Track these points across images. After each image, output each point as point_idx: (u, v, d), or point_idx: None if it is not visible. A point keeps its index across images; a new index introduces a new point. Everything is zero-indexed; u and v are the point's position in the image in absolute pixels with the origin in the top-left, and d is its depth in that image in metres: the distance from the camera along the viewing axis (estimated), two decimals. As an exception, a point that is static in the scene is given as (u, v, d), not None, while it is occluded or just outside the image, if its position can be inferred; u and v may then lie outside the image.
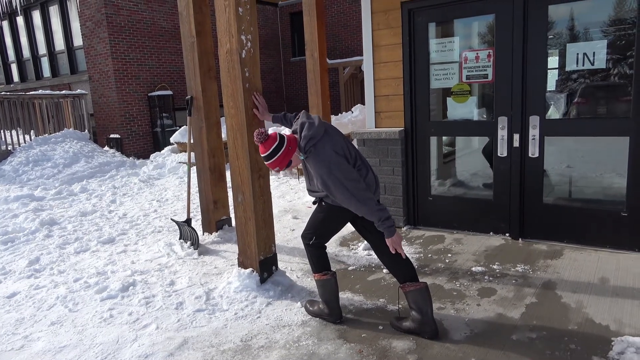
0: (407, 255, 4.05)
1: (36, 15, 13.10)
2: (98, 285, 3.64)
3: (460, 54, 4.37)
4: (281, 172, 7.75)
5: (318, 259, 2.99)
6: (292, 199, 6.54)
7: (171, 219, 4.92)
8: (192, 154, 4.74)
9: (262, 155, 2.72)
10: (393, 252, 2.70)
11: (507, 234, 4.38)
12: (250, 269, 3.45)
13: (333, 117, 9.41)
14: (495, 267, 3.72)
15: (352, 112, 10.22)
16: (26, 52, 13.85)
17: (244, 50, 3.17)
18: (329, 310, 2.99)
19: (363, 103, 12.83)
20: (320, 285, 3.00)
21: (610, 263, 3.64)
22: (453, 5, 4.28)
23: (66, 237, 5.15)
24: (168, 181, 8.41)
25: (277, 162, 2.69)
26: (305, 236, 3.01)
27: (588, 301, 3.07)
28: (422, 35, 4.50)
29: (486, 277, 3.55)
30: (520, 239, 4.29)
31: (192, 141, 4.64)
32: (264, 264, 3.46)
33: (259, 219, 3.40)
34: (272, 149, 2.66)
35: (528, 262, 3.76)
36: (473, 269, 3.71)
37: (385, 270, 3.74)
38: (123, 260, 4.28)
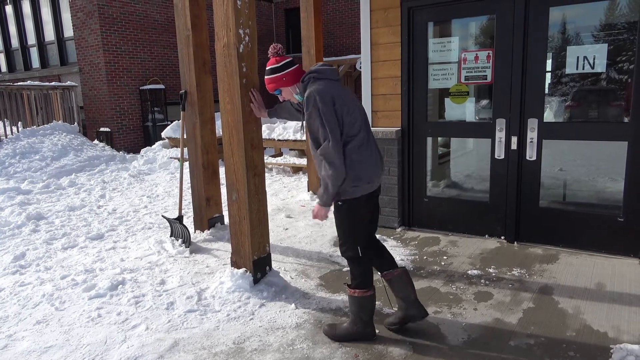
0: (403, 257, 4.03)
1: (26, 5, 12.83)
2: (86, 283, 3.54)
3: (459, 54, 4.32)
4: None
5: (367, 273, 2.67)
6: (285, 197, 6.46)
7: (162, 216, 4.81)
8: (185, 149, 4.64)
9: (269, 67, 2.67)
10: (312, 217, 2.65)
11: (502, 237, 4.35)
12: (244, 269, 3.38)
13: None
14: (491, 270, 3.68)
15: (347, 111, 10.12)
16: (15, 42, 13.56)
17: (241, 45, 3.09)
18: (364, 329, 2.69)
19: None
20: (357, 303, 2.66)
21: (606, 268, 3.63)
22: (453, 4, 4.23)
23: (53, 232, 5.03)
24: (159, 176, 8.28)
25: (278, 78, 2.66)
26: (349, 250, 2.62)
27: (585, 307, 3.04)
28: (421, 34, 4.44)
29: (482, 280, 3.51)
30: (515, 243, 4.26)
31: (185, 136, 4.54)
32: (257, 264, 3.39)
33: (253, 217, 3.32)
34: (282, 63, 2.65)
35: (524, 266, 3.73)
36: (469, 272, 3.67)
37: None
38: (112, 257, 4.18)
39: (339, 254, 4.11)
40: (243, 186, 3.26)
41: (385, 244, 4.37)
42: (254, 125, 3.26)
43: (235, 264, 3.45)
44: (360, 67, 12.35)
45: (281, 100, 2.79)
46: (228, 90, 3.19)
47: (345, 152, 2.49)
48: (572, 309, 3.03)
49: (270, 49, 2.68)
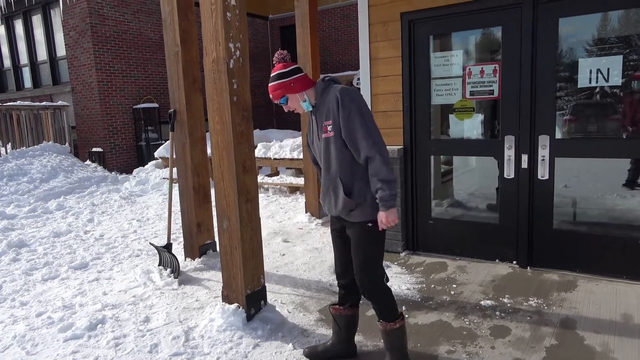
0: (409, 285, 3.74)
1: (18, 25, 12.69)
2: (63, 322, 3.21)
3: (463, 68, 4.10)
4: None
5: (393, 300, 2.43)
6: (282, 219, 6.17)
7: (150, 243, 4.51)
8: (175, 171, 4.37)
9: (275, 73, 2.42)
10: (381, 228, 2.32)
11: (514, 262, 4.06)
12: (236, 304, 3.07)
13: (325, 133, 9.09)
14: (505, 300, 3.39)
15: (344, 128, 9.91)
16: (7, 62, 13.38)
17: (232, 60, 2.84)
18: None
19: (354, 118, 12.56)
20: (402, 334, 2.43)
21: (630, 296, 3.34)
22: (456, 17, 4.02)
23: (35, 261, 4.71)
24: (151, 198, 7.99)
25: (286, 84, 2.39)
26: (373, 277, 2.38)
27: (614, 344, 2.74)
28: (422, 48, 4.22)
29: (497, 312, 3.21)
30: (528, 268, 3.97)
31: (174, 156, 4.27)
32: (251, 299, 3.09)
33: (246, 248, 3.03)
34: (290, 69, 2.41)
35: (541, 295, 3.44)
36: (482, 302, 3.37)
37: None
38: (94, 290, 3.85)
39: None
40: (234, 213, 2.98)
41: (389, 270, 4.08)
42: (246, 146, 3.00)
43: (226, 298, 3.15)
44: (358, 83, 12.20)
45: (286, 111, 2.53)
46: (217, 108, 2.94)
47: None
48: (600, 345, 2.73)
49: (276, 55, 2.45)
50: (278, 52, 2.45)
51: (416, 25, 4.21)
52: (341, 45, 14.13)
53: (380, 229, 2.35)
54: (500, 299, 3.42)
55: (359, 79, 12.38)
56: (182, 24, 3.96)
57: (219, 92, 2.90)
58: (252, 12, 14.76)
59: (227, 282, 3.12)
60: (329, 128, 2.32)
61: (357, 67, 13.25)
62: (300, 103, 2.45)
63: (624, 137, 3.66)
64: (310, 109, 2.46)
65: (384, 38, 4.35)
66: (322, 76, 2.47)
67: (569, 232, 3.88)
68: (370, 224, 2.33)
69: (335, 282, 3.86)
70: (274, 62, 2.46)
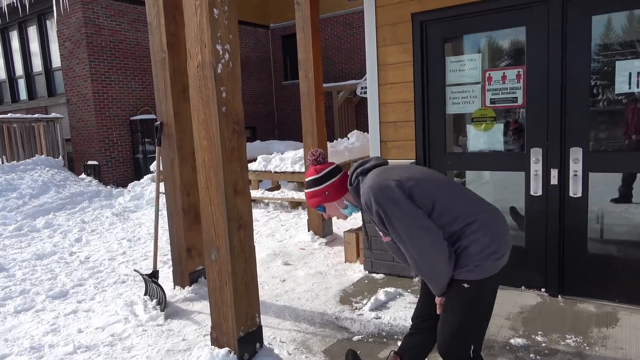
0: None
1: (14, 36, 12.42)
2: (26, 369, 2.79)
3: (482, 73, 3.69)
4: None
5: None
6: (282, 237, 5.74)
7: (134, 270, 4.08)
8: (163, 190, 3.96)
9: (308, 179, 2.14)
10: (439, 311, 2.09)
11: (542, 289, 3.61)
12: (227, 348, 2.63)
13: (328, 144, 8.69)
14: (539, 338, 2.93)
15: (348, 139, 9.58)
16: (2, 74, 13.10)
17: (219, 64, 2.44)
18: None
19: (359, 129, 12.18)
20: None
21: (685, 334, 2.88)
22: (474, 17, 3.62)
23: (10, 289, 4.28)
24: (145, 214, 7.57)
25: (320, 192, 2.09)
26: (460, 346, 1.98)
27: (680, 399, 2.29)
28: (436, 51, 3.82)
29: (531, 355, 2.76)
30: (560, 296, 3.52)
31: (161, 176, 3.87)
32: (244, 342, 2.64)
33: (238, 283, 2.60)
34: (322, 174, 2.10)
35: (579, 332, 2.98)
36: (511, 341, 2.92)
37: (400, 343, 2.93)
38: (69, 326, 3.41)
39: (347, 315, 3.40)
40: (224, 242, 2.55)
41: (402, 299, 3.64)
42: (237, 164, 2.58)
43: (216, 341, 2.70)
44: (362, 93, 11.81)
45: (325, 218, 2.22)
46: (204, 121, 2.52)
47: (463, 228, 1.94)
48: (662, 401, 2.28)
49: (308, 156, 2.19)
50: (311, 152, 2.15)
51: (429, 26, 3.81)
52: (344, 53, 13.80)
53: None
54: (533, 336, 2.96)
55: (362, 87, 11.99)
56: (169, 27, 3.57)
57: (205, 102, 2.48)
58: (253, 21, 14.48)
59: (217, 323, 2.68)
60: (382, 234, 2.11)
61: (360, 76, 12.88)
62: (341, 211, 2.13)
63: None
64: (358, 211, 2.17)
65: (393, 42, 3.95)
66: (351, 168, 2.11)
67: (604, 256, 3.43)
68: (466, 285, 1.94)
69: (342, 315, 3.42)
70: (307, 164, 2.13)
